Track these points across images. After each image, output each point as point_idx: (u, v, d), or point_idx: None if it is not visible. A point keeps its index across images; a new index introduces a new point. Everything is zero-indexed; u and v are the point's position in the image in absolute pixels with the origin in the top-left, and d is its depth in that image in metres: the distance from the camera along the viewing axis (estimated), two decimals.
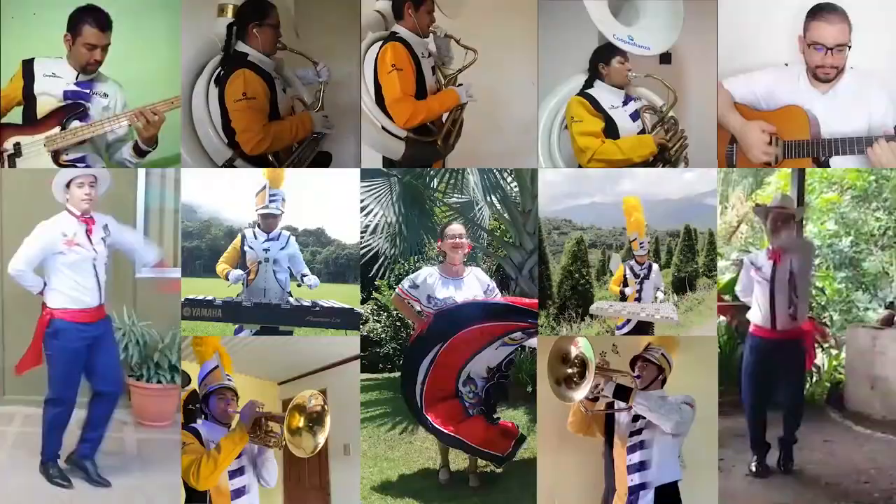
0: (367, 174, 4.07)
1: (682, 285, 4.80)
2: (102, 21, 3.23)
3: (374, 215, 4.06)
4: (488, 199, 4.39)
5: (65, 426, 3.41)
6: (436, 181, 4.39)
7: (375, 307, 5.69)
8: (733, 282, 5.22)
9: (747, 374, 3.68)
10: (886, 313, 4.88)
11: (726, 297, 5.17)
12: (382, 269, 4.49)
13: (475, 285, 3.40)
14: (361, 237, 4.01)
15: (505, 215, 4.53)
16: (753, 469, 3.61)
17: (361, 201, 4.04)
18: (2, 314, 4.31)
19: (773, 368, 3.62)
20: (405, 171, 4.21)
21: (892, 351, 4.51)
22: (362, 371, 3.53)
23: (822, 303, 5.38)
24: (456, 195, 4.46)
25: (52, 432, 3.39)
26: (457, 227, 3.42)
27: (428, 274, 3.39)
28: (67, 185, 3.26)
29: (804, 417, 3.71)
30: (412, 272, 3.63)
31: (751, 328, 3.68)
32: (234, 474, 2.57)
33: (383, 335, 5.64)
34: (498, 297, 3.42)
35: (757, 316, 3.63)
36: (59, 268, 3.26)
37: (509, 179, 4.46)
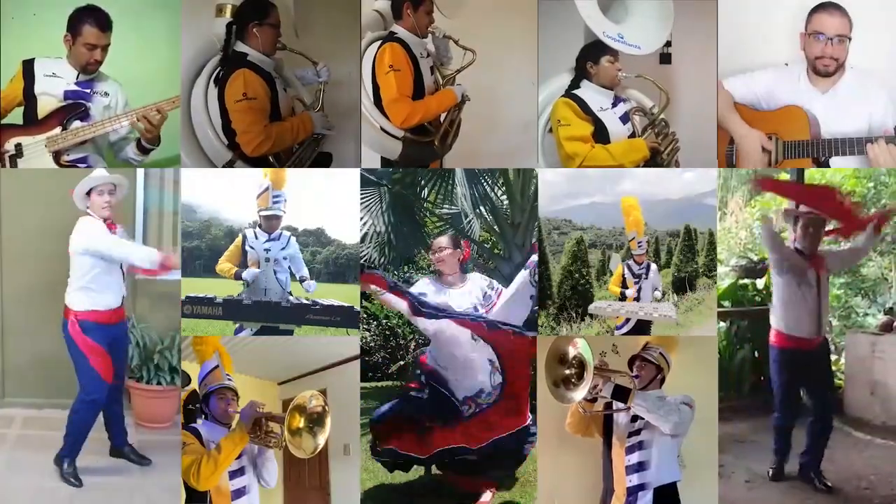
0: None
1: (682, 285, 4.79)
2: (102, 21, 3.24)
3: (364, 224, 4.05)
4: (478, 210, 4.36)
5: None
6: (426, 191, 4.38)
7: (365, 315, 5.67)
8: (733, 287, 5.24)
9: (782, 387, 3.58)
10: (885, 319, 4.88)
11: (725, 304, 5.17)
12: None
13: (475, 292, 3.30)
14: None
15: (495, 227, 4.51)
16: (771, 474, 3.57)
17: None
18: (2, 316, 4.31)
19: (803, 378, 3.57)
20: (395, 182, 4.20)
21: (891, 356, 4.50)
22: None
23: None
24: (447, 206, 4.44)
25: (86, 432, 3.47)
26: (440, 240, 3.32)
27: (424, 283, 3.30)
28: (88, 193, 3.35)
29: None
30: (402, 281, 3.59)
31: (776, 339, 3.55)
32: (234, 475, 2.58)
33: (373, 343, 5.63)
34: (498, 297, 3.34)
35: (796, 325, 3.50)
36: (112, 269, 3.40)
37: (499, 193, 4.42)
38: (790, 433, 3.61)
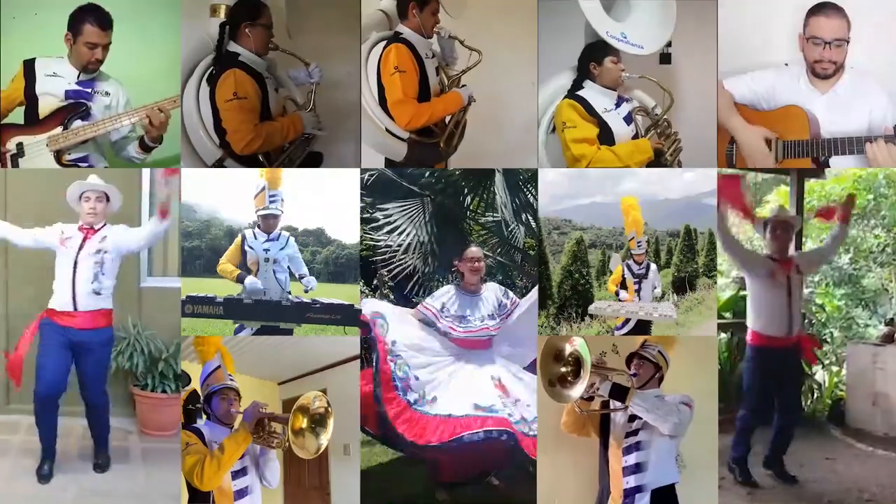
0: (399, 195, 4.07)
1: (682, 285, 4.81)
2: (103, 20, 3.24)
3: (408, 235, 4.09)
4: (521, 217, 4.37)
5: None
6: (468, 199, 4.40)
7: None
8: (734, 299, 5.24)
9: (754, 386, 3.61)
10: (887, 330, 4.86)
11: (726, 315, 5.16)
12: (417, 286, 4.50)
13: (491, 300, 3.38)
14: (394, 256, 4.02)
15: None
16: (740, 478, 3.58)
17: (395, 221, 4.06)
18: (6, 323, 4.29)
19: (776, 377, 3.58)
20: (437, 192, 4.22)
21: (892, 367, 4.48)
22: None
23: (822, 320, 5.38)
24: (490, 214, 4.46)
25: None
26: (474, 251, 3.39)
27: (446, 291, 3.40)
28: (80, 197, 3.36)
29: (805, 435, 3.67)
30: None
31: (752, 338, 3.60)
32: (236, 475, 2.58)
33: None
34: (513, 307, 3.38)
35: (767, 324, 3.56)
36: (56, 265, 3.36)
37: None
38: (752, 434, 3.62)
